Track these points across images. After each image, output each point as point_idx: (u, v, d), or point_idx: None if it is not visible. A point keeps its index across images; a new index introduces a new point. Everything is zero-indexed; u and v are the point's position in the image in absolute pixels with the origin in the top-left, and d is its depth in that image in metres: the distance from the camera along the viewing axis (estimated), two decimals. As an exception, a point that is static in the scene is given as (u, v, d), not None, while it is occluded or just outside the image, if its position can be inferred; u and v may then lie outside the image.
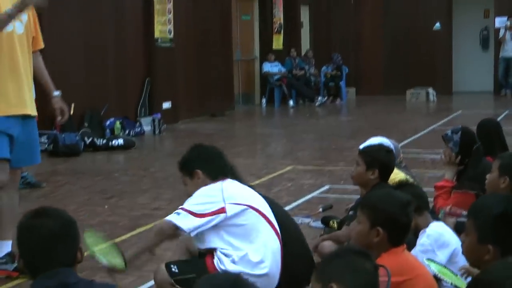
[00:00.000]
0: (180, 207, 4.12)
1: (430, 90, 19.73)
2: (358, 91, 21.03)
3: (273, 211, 4.40)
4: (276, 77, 18.91)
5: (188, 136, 13.40)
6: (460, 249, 4.07)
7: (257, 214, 4.11)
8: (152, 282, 5.27)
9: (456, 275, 3.85)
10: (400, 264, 3.43)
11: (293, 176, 9.22)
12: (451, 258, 4.01)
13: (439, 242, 4.05)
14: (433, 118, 15.31)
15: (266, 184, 8.55)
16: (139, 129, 13.38)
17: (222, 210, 4.04)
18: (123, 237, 6.51)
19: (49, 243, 2.75)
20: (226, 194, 4.06)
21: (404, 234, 3.50)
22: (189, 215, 4.04)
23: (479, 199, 3.26)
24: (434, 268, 3.79)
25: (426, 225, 4.14)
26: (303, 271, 4.40)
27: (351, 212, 5.68)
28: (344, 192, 8.13)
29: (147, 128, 13.67)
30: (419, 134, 12.73)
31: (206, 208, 4.04)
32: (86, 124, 12.25)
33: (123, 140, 11.81)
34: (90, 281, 2.86)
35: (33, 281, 2.80)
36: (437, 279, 3.75)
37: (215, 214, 4.03)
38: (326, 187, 8.48)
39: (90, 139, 11.60)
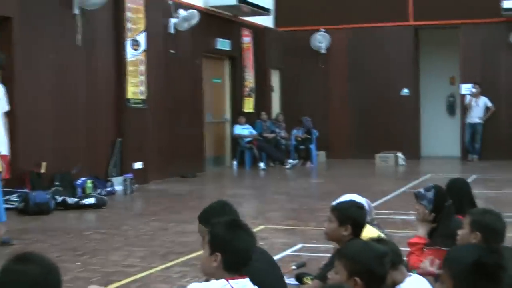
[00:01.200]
0: None
1: (399, 154, 19.98)
2: (328, 154, 21.22)
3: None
4: (246, 139, 19.06)
5: (159, 197, 13.40)
6: None
7: None
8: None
9: None
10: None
11: (265, 235, 9.24)
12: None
13: None
14: (403, 181, 15.49)
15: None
16: (110, 189, 13.36)
17: None
18: (96, 294, 6.47)
19: None
20: None
21: (380, 285, 3.56)
22: None
23: (452, 249, 3.33)
24: None
25: (402, 280, 4.18)
26: None
27: (323, 267, 5.73)
28: (316, 250, 8.17)
29: (118, 187, 13.65)
30: (389, 196, 12.86)
31: None
32: (57, 183, 12.21)
33: (95, 199, 11.78)
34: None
35: None
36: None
37: None
38: (298, 246, 8.52)
39: (62, 198, 11.55)
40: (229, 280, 3.75)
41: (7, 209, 10.82)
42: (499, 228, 4.42)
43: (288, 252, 8.19)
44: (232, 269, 3.79)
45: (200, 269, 4.01)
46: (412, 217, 10.15)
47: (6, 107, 8.71)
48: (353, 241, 4.35)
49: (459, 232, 4.64)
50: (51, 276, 2.84)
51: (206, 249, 3.84)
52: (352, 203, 5.14)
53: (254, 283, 4.35)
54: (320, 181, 16.53)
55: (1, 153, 8.47)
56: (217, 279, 3.81)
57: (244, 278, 3.83)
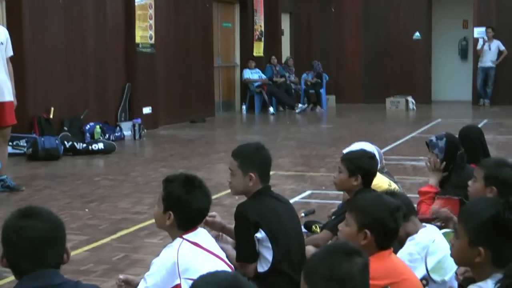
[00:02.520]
0: (141, 284, 3.72)
1: (410, 99, 19.81)
2: (338, 98, 21.07)
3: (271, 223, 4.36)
4: (256, 84, 18.91)
5: (168, 142, 13.36)
6: (448, 256, 4.08)
7: None
8: (134, 286, 5.25)
9: None
10: (386, 268, 3.42)
11: (274, 181, 9.12)
12: (439, 264, 3.99)
13: (428, 249, 4.02)
14: (413, 126, 15.38)
15: (248, 190, 8.52)
16: (119, 134, 13.31)
17: None
18: (104, 241, 6.46)
19: (38, 246, 2.71)
20: (182, 267, 3.63)
21: (391, 239, 3.50)
22: None
23: (468, 204, 3.25)
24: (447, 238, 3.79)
25: (416, 231, 4.12)
26: (294, 278, 4.38)
27: (333, 217, 5.68)
28: (326, 197, 8.13)
29: (127, 133, 13.60)
30: (399, 142, 12.77)
31: (162, 283, 3.65)
32: (65, 128, 12.17)
33: (104, 144, 11.74)
34: (76, 282, 2.83)
35: (17, 282, 2.75)
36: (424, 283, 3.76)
37: None
38: (307, 193, 8.47)
39: (70, 143, 11.51)
40: (183, 236, 3.72)
41: (15, 154, 10.85)
42: None
43: (297, 199, 8.14)
44: (185, 228, 3.74)
45: (155, 222, 3.97)
46: (422, 164, 10.10)
47: (10, 52, 8.60)
48: (366, 193, 4.28)
49: (470, 184, 4.56)
50: (59, 232, 2.80)
51: (160, 205, 3.79)
52: (363, 153, 5.04)
53: (275, 227, 4.32)
54: (330, 127, 16.42)
55: (6, 100, 8.39)
56: (170, 234, 3.81)
57: (195, 229, 3.79)
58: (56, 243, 2.77)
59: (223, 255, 3.85)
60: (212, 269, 3.66)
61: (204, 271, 3.64)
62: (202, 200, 3.77)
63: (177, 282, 3.66)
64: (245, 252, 3.97)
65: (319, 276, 2.48)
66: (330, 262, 2.50)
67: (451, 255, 3.11)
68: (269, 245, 4.28)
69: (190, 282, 3.62)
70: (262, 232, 4.26)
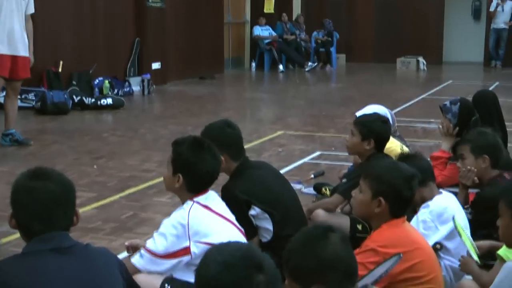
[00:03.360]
0: (146, 245, 3.65)
1: (421, 59, 19.64)
2: (348, 57, 20.91)
3: (269, 181, 4.32)
4: (266, 41, 18.75)
5: (177, 98, 13.29)
6: (464, 222, 4.03)
7: None
8: (142, 245, 5.23)
9: (471, 241, 3.80)
10: (399, 236, 3.38)
11: (283, 141, 9.15)
12: (452, 232, 3.95)
13: (442, 217, 3.98)
14: (424, 87, 15.25)
15: (257, 149, 8.48)
16: (128, 89, 13.24)
17: (186, 251, 3.61)
18: (112, 198, 6.44)
19: (50, 208, 2.67)
20: (192, 229, 3.58)
21: (406, 207, 3.45)
22: (153, 258, 3.61)
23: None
24: (456, 223, 3.75)
25: (431, 197, 4.07)
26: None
27: (344, 180, 5.64)
28: (335, 159, 8.07)
29: (136, 88, 13.53)
30: (410, 103, 12.67)
31: (171, 244, 3.60)
32: (74, 83, 12.10)
33: (112, 100, 11.67)
34: (85, 245, 2.79)
35: (27, 243, 2.72)
36: (436, 251, 3.71)
37: (179, 256, 3.61)
38: (317, 153, 8.41)
39: (79, 98, 11.45)
40: (194, 199, 3.68)
41: (24, 108, 10.79)
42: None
43: (306, 159, 8.09)
44: (195, 191, 3.70)
45: (164, 186, 3.93)
46: (433, 126, 10.03)
47: (31, 10, 8.53)
48: (380, 159, 4.23)
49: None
50: (70, 194, 2.77)
51: (169, 168, 3.74)
52: (376, 116, 4.97)
53: (266, 198, 4.28)
54: (340, 86, 16.31)
55: (20, 54, 8.31)
56: (180, 197, 3.76)
57: (206, 192, 3.74)
58: (68, 205, 2.73)
59: (233, 219, 3.82)
60: (222, 232, 3.67)
61: (214, 234, 3.65)
62: (211, 163, 3.72)
63: (187, 244, 3.62)
64: (244, 230, 3.92)
65: (310, 270, 2.40)
66: (313, 252, 2.42)
67: (500, 239, 3.09)
68: (267, 216, 4.25)
69: (200, 245, 3.61)
70: (256, 208, 4.23)
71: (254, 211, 4.23)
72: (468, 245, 3.77)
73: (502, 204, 2.95)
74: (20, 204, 2.68)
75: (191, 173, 3.66)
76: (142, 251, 3.64)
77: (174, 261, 3.62)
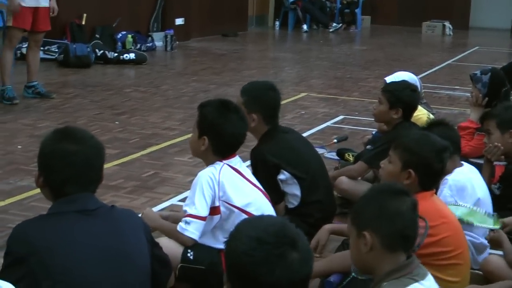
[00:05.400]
0: (187, 212, 3.60)
1: (447, 24, 19.35)
2: (373, 19, 20.63)
3: (294, 149, 4.27)
4: (291, 0, 18.53)
5: (200, 55, 13.19)
6: (485, 198, 3.96)
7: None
8: (163, 204, 5.22)
9: (487, 214, 3.74)
10: (427, 209, 3.29)
11: (306, 103, 9.06)
12: (473, 208, 3.87)
13: (461, 192, 3.90)
14: (449, 53, 15.04)
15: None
16: (150, 44, 13.14)
17: (217, 211, 3.60)
18: (134, 156, 6.41)
19: (85, 172, 2.64)
20: (222, 190, 3.57)
21: (435, 180, 3.40)
22: (201, 221, 3.57)
23: None
24: (459, 214, 3.69)
25: (452, 169, 3.98)
26: (324, 203, 4.31)
27: (368, 147, 5.57)
28: (358, 124, 8.00)
29: (158, 43, 13.43)
30: (434, 69, 12.50)
31: (210, 201, 3.58)
32: (97, 36, 12.02)
33: (135, 55, 11.59)
34: (111, 207, 2.77)
35: (53, 203, 2.69)
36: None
37: (211, 215, 3.60)
38: (340, 117, 8.33)
39: (101, 52, 11.38)
40: (224, 161, 3.64)
41: (46, 59, 10.75)
42: None
43: (329, 123, 8.02)
44: (221, 153, 3.64)
45: (190, 151, 3.87)
46: (458, 93, 9.92)
47: None
48: (413, 131, 4.15)
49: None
50: (102, 157, 2.74)
51: (195, 131, 3.68)
52: (405, 85, 4.88)
53: (297, 163, 4.24)
54: (364, 48, 16.11)
55: (41, 5, 8.23)
56: (206, 162, 3.70)
57: (234, 156, 3.69)
58: (100, 169, 2.71)
59: (261, 186, 3.78)
60: (250, 197, 3.63)
61: (242, 198, 3.62)
62: (237, 125, 3.66)
63: (217, 204, 3.60)
64: (270, 195, 3.88)
65: (368, 215, 2.49)
66: (379, 201, 2.52)
67: None
68: (295, 181, 4.20)
69: (228, 206, 3.58)
70: (285, 172, 4.17)
71: (283, 175, 4.18)
72: (484, 223, 3.71)
73: None
74: (55, 168, 2.64)
75: (217, 135, 3.61)
76: (187, 219, 3.57)
77: (206, 220, 3.57)
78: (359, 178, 5.11)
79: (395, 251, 2.49)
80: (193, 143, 3.72)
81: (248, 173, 3.77)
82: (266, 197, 3.77)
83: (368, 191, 2.65)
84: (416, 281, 2.45)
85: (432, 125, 4.04)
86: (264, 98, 4.24)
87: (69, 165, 2.62)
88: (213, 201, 3.57)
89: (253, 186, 3.72)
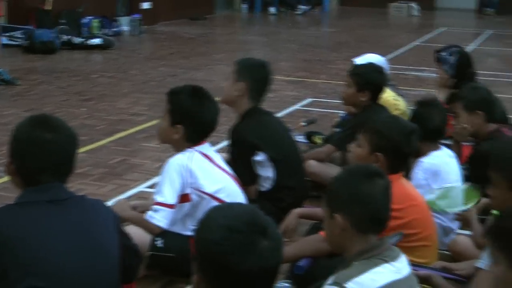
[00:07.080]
0: (156, 200, 3.60)
1: (413, 5, 19.42)
2: (342, 1, 20.65)
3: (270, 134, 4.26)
4: (258, -18, 18.46)
5: (167, 39, 13.10)
6: (458, 180, 3.97)
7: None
8: (131, 191, 5.18)
9: (467, 189, 3.75)
10: (395, 192, 3.28)
11: (275, 87, 8.90)
12: (445, 191, 3.87)
13: (435, 176, 3.91)
14: (417, 34, 15.09)
15: (248, 94, 8.37)
16: (117, 29, 13.02)
17: (187, 198, 3.61)
18: (101, 143, 6.35)
19: (59, 161, 2.59)
20: (193, 177, 3.56)
21: (404, 162, 3.40)
22: (169, 209, 3.58)
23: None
24: (442, 207, 3.71)
25: (427, 152, 3.97)
26: (297, 189, 4.31)
27: (336, 129, 5.57)
28: (327, 106, 7.99)
29: (125, 28, 13.31)
30: (402, 50, 12.54)
31: (179, 188, 3.58)
32: (63, 21, 11.87)
33: (102, 40, 11.48)
34: (81, 197, 2.73)
35: (21, 192, 2.63)
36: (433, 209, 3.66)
37: (181, 202, 3.61)
38: (308, 100, 8.32)
39: (68, 37, 11.25)
40: (195, 147, 3.63)
41: (11, 45, 10.60)
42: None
43: (297, 106, 8.01)
44: (194, 140, 3.62)
45: (157, 137, 3.84)
46: (426, 74, 9.96)
47: None
48: (381, 114, 4.15)
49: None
50: (76, 146, 2.68)
51: (166, 119, 3.64)
52: (372, 67, 4.87)
53: (275, 145, 4.22)
54: (333, 30, 16.11)
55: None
56: (177, 149, 3.68)
57: (204, 142, 3.68)
58: (74, 157, 2.66)
59: (232, 172, 3.76)
60: (220, 183, 3.61)
61: (212, 184, 3.60)
62: (212, 111, 3.65)
63: (187, 191, 3.58)
64: (243, 176, 3.87)
65: (341, 199, 2.51)
66: (352, 184, 2.53)
67: (492, 207, 3.03)
68: (271, 163, 4.18)
69: (199, 193, 3.56)
70: (262, 154, 4.15)
71: (259, 157, 4.16)
72: (454, 207, 3.73)
73: (497, 175, 2.86)
74: (30, 155, 2.58)
75: (193, 123, 3.58)
76: (155, 207, 3.57)
77: (175, 208, 3.57)
78: (327, 160, 5.11)
79: (366, 233, 2.50)
80: (164, 131, 3.68)
81: (218, 159, 3.75)
82: (237, 183, 3.76)
83: (342, 172, 2.66)
84: (386, 261, 2.46)
85: (423, 104, 4.08)
86: (256, 70, 4.28)
87: (46, 153, 2.57)
88: (182, 189, 3.55)
89: (223, 172, 3.70)
